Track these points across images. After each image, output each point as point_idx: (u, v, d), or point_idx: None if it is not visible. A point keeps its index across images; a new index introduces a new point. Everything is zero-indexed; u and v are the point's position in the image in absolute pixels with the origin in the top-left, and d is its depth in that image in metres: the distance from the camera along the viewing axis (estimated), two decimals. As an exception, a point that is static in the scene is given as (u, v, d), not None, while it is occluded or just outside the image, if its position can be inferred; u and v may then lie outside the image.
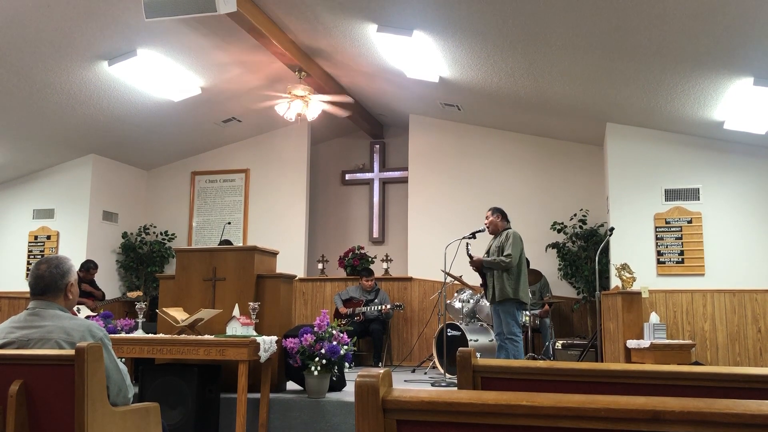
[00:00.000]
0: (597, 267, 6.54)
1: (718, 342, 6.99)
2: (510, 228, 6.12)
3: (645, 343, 6.04)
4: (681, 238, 7.24)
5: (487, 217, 6.19)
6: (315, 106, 7.64)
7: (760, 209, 7.13)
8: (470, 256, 6.10)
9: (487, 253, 6.09)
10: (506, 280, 5.86)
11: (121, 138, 8.90)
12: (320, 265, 9.58)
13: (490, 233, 6.20)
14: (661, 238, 7.29)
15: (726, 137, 7.08)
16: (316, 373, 4.83)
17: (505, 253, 5.89)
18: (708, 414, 1.12)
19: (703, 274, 7.15)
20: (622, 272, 6.52)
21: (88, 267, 8.15)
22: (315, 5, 6.17)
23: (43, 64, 6.75)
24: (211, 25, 6.57)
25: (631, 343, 6.20)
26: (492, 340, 6.60)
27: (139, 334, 5.09)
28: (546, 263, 8.34)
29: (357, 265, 9.18)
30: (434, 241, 8.41)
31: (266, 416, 4.77)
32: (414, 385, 6.34)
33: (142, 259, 9.67)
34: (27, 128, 8.10)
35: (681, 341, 6.37)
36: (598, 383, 2.01)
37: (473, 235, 6.39)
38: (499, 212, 6.17)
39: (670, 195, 7.34)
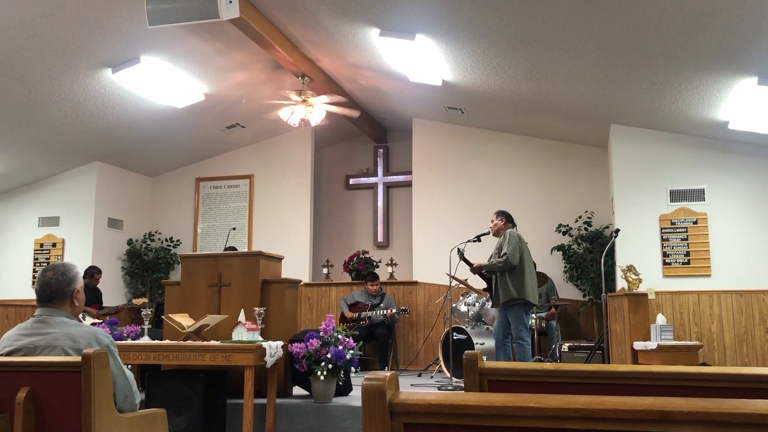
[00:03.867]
0: (603, 269, 6.53)
1: (726, 343, 6.96)
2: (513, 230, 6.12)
3: (652, 344, 6.01)
4: (687, 239, 7.21)
5: (492, 221, 6.19)
6: (318, 110, 7.64)
7: (765, 209, 7.09)
8: (468, 263, 6.10)
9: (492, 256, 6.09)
10: (509, 280, 5.83)
11: (126, 145, 8.92)
12: (325, 270, 9.57)
13: (494, 236, 6.20)
14: (667, 239, 7.27)
15: (731, 137, 7.06)
16: (322, 377, 4.83)
17: (501, 253, 5.88)
18: (716, 414, 1.12)
19: (709, 275, 7.11)
20: (628, 274, 6.49)
21: (92, 273, 8.15)
22: (317, 11, 6.18)
23: (46, 72, 6.78)
24: (214, 32, 6.59)
25: (638, 345, 6.18)
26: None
27: (145, 340, 5.10)
28: (551, 266, 8.33)
29: (362, 269, 9.17)
30: (439, 245, 8.40)
31: (273, 422, 4.77)
32: (420, 389, 6.32)
33: (147, 265, 9.68)
34: (31, 136, 8.12)
35: (688, 342, 6.34)
36: (605, 385, 2.00)
37: (478, 239, 6.39)
38: (503, 215, 6.16)
39: (675, 196, 7.31)
